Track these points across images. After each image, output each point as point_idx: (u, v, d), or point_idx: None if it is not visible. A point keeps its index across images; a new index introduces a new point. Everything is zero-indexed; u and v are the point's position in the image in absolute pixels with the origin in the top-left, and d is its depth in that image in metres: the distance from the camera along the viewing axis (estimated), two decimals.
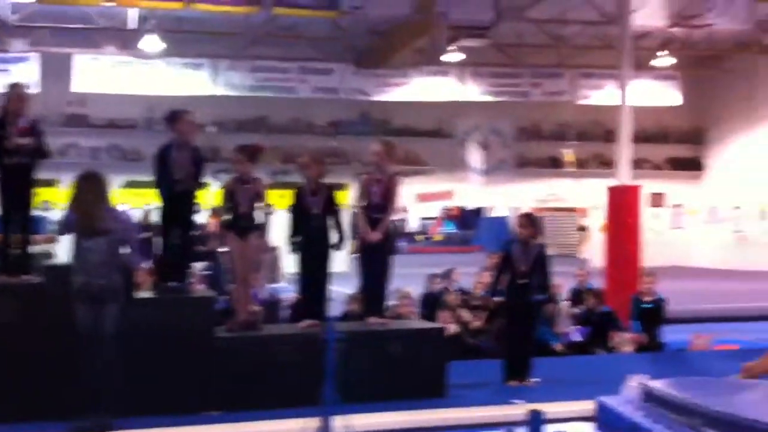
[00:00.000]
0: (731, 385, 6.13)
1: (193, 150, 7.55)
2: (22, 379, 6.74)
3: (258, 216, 7.67)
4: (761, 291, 17.22)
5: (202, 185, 7.67)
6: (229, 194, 7.60)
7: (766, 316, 13.51)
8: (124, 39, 19.22)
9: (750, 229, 24.63)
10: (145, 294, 7.68)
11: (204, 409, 6.96)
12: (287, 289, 11.97)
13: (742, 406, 5.26)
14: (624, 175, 13.57)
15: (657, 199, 25.90)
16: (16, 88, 7.47)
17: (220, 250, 10.56)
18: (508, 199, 25.25)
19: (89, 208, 6.65)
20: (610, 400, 6.31)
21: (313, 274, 7.75)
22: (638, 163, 24.23)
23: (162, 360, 6.96)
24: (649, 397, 6.01)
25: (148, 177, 7.86)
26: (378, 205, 7.85)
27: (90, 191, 6.71)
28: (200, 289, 8.64)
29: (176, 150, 7.45)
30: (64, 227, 6.85)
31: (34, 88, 17.09)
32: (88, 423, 6.43)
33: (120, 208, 7.12)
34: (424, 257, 19.68)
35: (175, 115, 7.64)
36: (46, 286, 7.01)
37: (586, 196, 24.27)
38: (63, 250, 7.72)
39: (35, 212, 7.69)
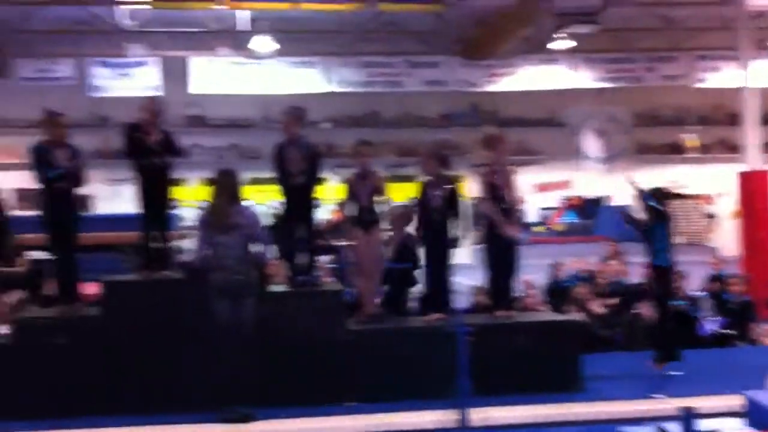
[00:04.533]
0: None
1: (305, 146, 7.64)
2: (170, 369, 6.97)
3: (378, 209, 7.70)
4: None
5: (317, 180, 7.73)
6: (350, 189, 7.67)
7: None
8: (237, 41, 19.56)
9: None
10: (277, 288, 7.80)
11: (340, 399, 7.01)
12: None
13: None
14: (754, 160, 12.97)
15: None
16: (151, 103, 7.79)
17: (341, 243, 10.63)
18: (627, 187, 24.43)
19: (220, 204, 6.85)
20: (760, 396, 6.04)
21: (437, 267, 7.71)
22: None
23: (297, 351, 7.07)
24: None
25: (268, 174, 8.03)
26: (501, 196, 7.75)
27: (224, 187, 6.92)
28: (329, 282, 8.72)
29: (288, 147, 7.58)
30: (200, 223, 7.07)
31: (156, 91, 17.65)
32: (233, 412, 6.61)
33: (245, 204, 7.25)
34: (544, 248, 19.20)
35: (298, 111, 7.79)
36: (185, 281, 7.23)
37: (710, 182, 23.37)
38: (191, 246, 7.93)
39: (171, 210, 7.91)
